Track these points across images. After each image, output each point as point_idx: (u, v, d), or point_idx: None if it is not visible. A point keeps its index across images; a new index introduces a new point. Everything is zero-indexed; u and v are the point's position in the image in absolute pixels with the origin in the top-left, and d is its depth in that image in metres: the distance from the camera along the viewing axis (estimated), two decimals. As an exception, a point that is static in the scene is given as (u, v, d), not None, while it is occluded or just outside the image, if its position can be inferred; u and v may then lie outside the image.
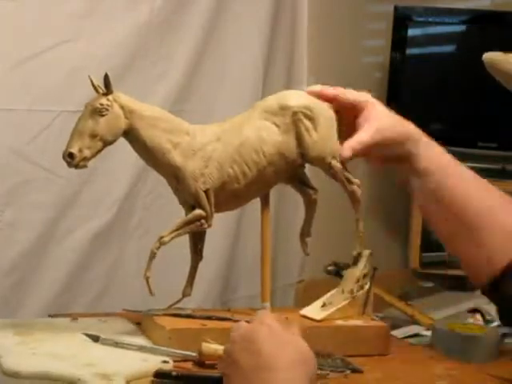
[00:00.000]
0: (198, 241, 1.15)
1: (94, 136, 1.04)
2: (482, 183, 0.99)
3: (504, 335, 1.42)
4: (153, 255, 1.09)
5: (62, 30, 1.80)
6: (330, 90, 1.07)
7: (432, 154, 1.00)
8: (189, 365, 1.04)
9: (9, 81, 1.73)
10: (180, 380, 0.91)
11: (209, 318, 1.12)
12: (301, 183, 1.18)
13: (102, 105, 1.04)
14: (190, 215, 1.10)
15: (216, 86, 2.08)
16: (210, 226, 1.12)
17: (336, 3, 2.39)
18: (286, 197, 1.96)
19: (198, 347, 1.03)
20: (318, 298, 1.20)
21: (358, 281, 1.16)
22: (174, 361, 1.04)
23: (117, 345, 1.02)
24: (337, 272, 1.28)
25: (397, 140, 1.00)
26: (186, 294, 1.16)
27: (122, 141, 1.14)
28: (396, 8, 2.27)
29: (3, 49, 1.72)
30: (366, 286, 1.17)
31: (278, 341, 0.82)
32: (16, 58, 1.73)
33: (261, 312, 0.90)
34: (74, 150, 1.03)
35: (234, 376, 0.81)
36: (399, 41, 2.27)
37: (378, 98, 1.03)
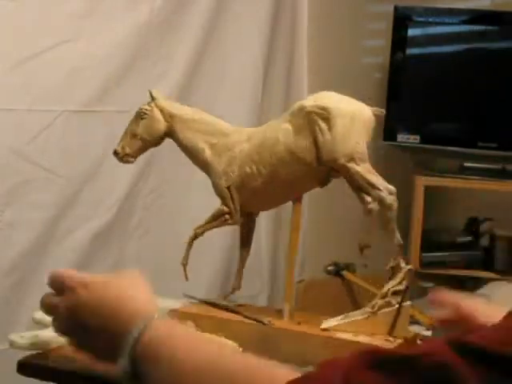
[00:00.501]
0: (245, 236, 1.18)
1: (134, 136, 1.18)
2: None
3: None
4: (189, 246, 1.15)
5: (62, 30, 1.80)
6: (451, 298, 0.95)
7: None
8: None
9: (9, 81, 1.73)
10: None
11: (234, 311, 1.10)
12: (359, 190, 1.10)
13: (141, 109, 1.18)
14: (215, 211, 1.14)
15: (216, 86, 2.08)
16: (235, 222, 1.14)
17: (336, 3, 2.40)
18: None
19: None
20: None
21: (383, 297, 1.07)
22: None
23: None
24: (337, 272, 1.28)
25: None
26: (235, 287, 1.19)
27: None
28: (396, 8, 2.27)
29: (3, 49, 1.72)
30: (396, 305, 1.06)
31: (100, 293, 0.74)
32: (16, 57, 1.73)
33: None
34: (118, 147, 1.18)
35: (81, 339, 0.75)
36: (399, 41, 2.27)
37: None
